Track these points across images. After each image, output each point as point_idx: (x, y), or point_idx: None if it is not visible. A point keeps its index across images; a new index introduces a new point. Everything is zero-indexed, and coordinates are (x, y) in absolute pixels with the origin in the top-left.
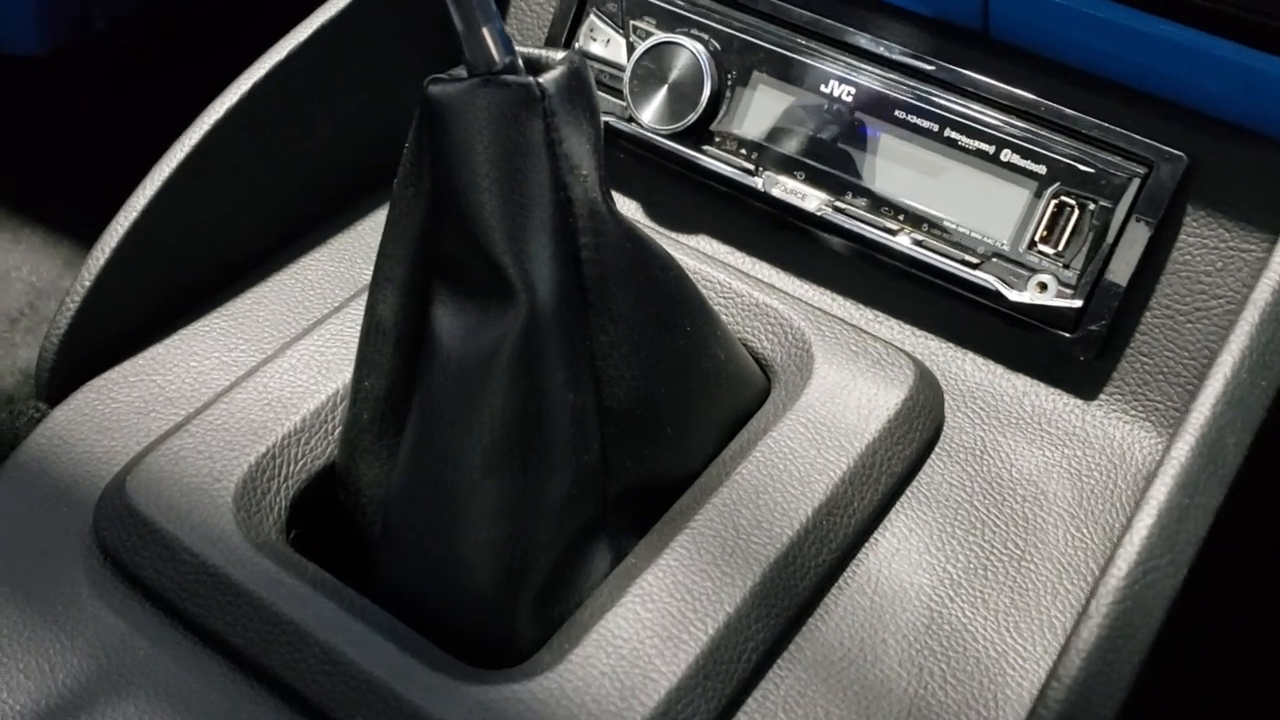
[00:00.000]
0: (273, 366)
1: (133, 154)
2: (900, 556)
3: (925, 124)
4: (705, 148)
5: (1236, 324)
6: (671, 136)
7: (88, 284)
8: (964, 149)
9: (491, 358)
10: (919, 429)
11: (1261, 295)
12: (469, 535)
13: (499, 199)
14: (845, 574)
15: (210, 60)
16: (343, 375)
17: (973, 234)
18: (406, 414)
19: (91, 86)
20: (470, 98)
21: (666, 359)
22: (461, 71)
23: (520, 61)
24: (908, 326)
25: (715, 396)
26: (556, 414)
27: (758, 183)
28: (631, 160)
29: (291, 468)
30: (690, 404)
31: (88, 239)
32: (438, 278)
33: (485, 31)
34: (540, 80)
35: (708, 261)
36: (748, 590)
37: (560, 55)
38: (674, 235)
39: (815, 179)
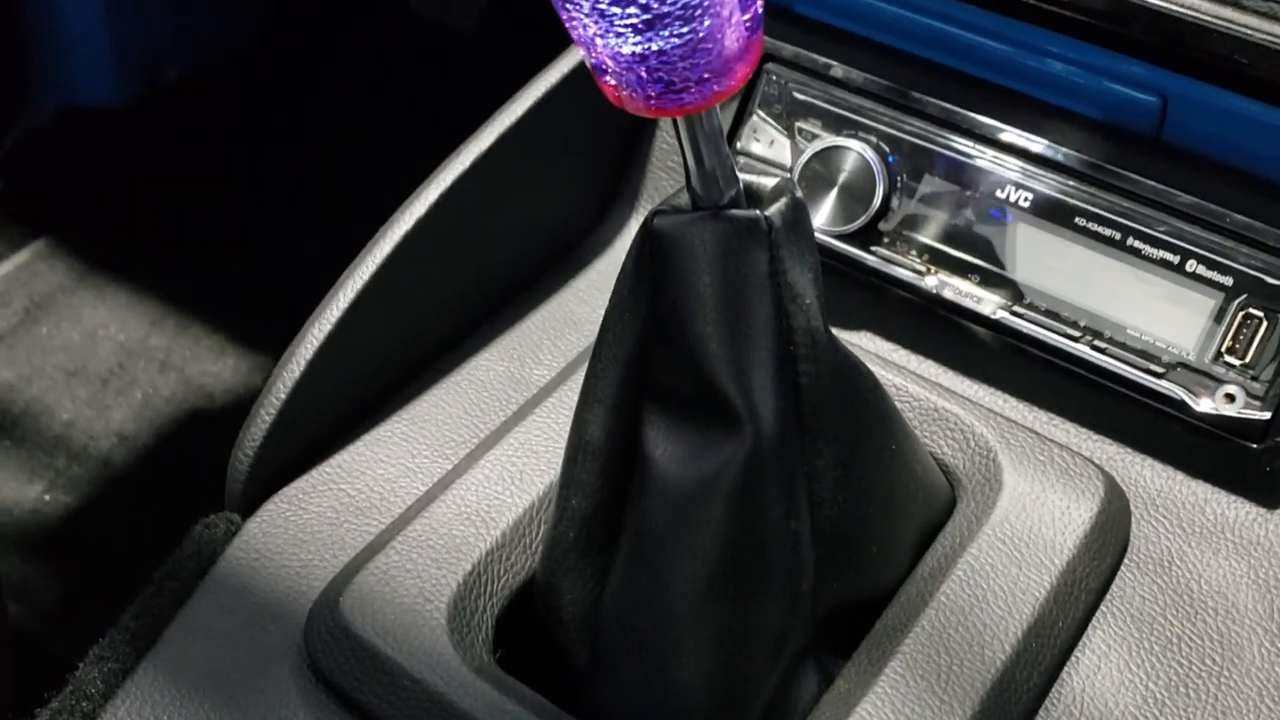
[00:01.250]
0: (467, 479)
1: (208, 206)
2: (1102, 675)
3: (1105, 231)
4: (874, 249)
5: None
6: (842, 238)
7: (283, 396)
8: (1146, 257)
9: (713, 484)
10: (1111, 542)
11: None
12: (687, 663)
13: (724, 329)
14: (1051, 695)
15: (277, 115)
16: (535, 487)
17: (1157, 343)
18: (611, 533)
19: (165, 138)
20: (698, 230)
21: (874, 479)
22: (684, 201)
23: (743, 193)
24: (1089, 433)
25: (913, 513)
26: (776, 541)
27: (930, 284)
28: None
29: (495, 585)
30: (893, 522)
31: (171, 295)
32: (650, 400)
33: (710, 169)
34: (766, 214)
35: (885, 366)
36: (967, 718)
37: (774, 184)
38: (847, 338)
39: (989, 282)
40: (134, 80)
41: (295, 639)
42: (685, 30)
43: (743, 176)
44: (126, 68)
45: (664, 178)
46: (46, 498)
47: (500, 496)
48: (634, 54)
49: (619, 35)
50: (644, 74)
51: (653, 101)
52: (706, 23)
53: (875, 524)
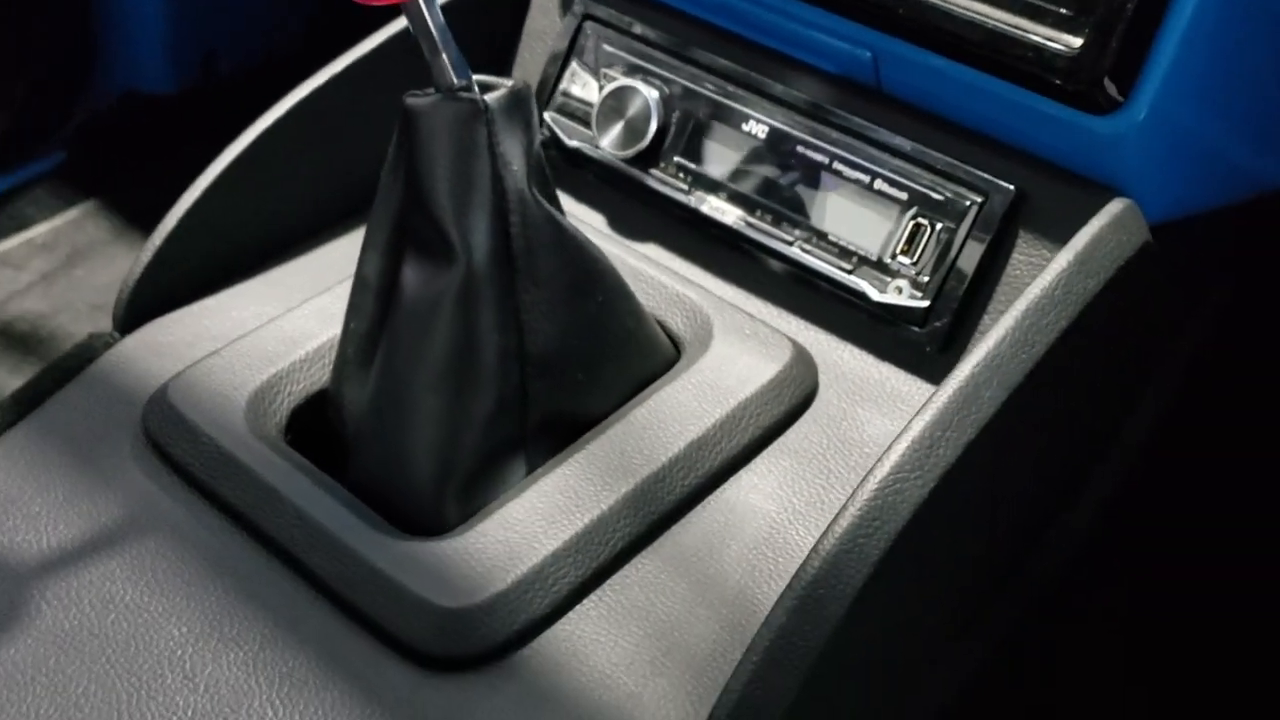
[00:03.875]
0: (291, 315)
1: None
2: (756, 490)
3: (818, 158)
4: (652, 171)
5: (1009, 309)
6: (626, 161)
7: (157, 244)
8: (847, 178)
9: (438, 302)
10: (788, 395)
11: (1033, 290)
12: (413, 436)
13: (450, 185)
14: (708, 498)
15: None
16: (341, 324)
17: (850, 245)
18: (378, 349)
19: (214, 126)
20: (434, 109)
21: (578, 319)
22: (431, 90)
23: (475, 85)
24: (798, 319)
25: (623, 356)
26: (484, 349)
27: (690, 200)
28: (596, 180)
29: (294, 387)
30: (598, 358)
31: None
32: (408, 244)
33: (444, 58)
34: (486, 99)
35: (644, 260)
36: (620, 495)
37: (508, 82)
38: (625, 239)
39: (733, 199)
40: (189, 70)
41: (138, 415)
42: None
43: (485, 77)
44: (182, 58)
45: None
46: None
47: (312, 329)
48: None
49: None
50: None
51: None
52: None
53: (580, 356)
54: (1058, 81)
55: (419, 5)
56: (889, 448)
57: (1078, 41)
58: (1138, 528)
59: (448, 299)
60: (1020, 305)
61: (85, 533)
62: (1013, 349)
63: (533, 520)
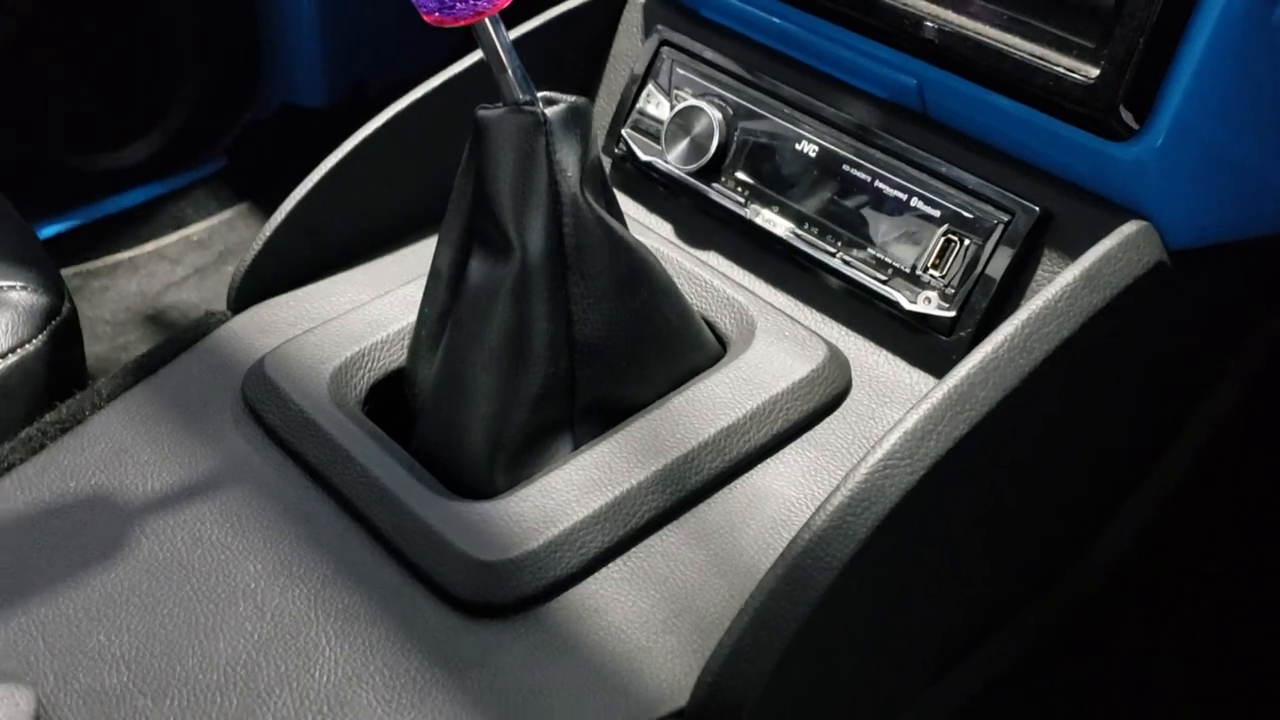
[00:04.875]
0: (377, 301)
1: None
2: (781, 477)
3: (863, 177)
4: (713, 184)
5: (1012, 316)
6: (690, 174)
7: (267, 235)
8: (886, 196)
9: (496, 292)
10: (819, 393)
11: (1036, 301)
12: (468, 410)
13: (511, 187)
14: (735, 481)
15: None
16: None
17: (886, 258)
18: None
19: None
20: (500, 120)
21: (624, 312)
22: (500, 104)
23: (538, 100)
24: (836, 324)
25: (666, 349)
26: (535, 335)
27: (746, 213)
28: (665, 192)
29: (374, 364)
30: (642, 349)
31: None
32: (475, 239)
33: (510, 75)
34: (546, 111)
35: (700, 264)
36: (650, 472)
37: (570, 98)
38: (686, 246)
39: (784, 212)
40: (340, 89)
41: (239, 382)
42: None
43: (549, 94)
44: (335, 78)
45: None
46: None
47: (395, 314)
48: None
49: None
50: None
51: (435, 14)
52: None
53: (625, 346)
54: (1078, 109)
55: (486, 27)
56: (883, 436)
57: (1095, 72)
58: (1172, 560)
59: (505, 289)
60: (1022, 314)
61: (184, 480)
62: (1010, 353)
63: (568, 490)
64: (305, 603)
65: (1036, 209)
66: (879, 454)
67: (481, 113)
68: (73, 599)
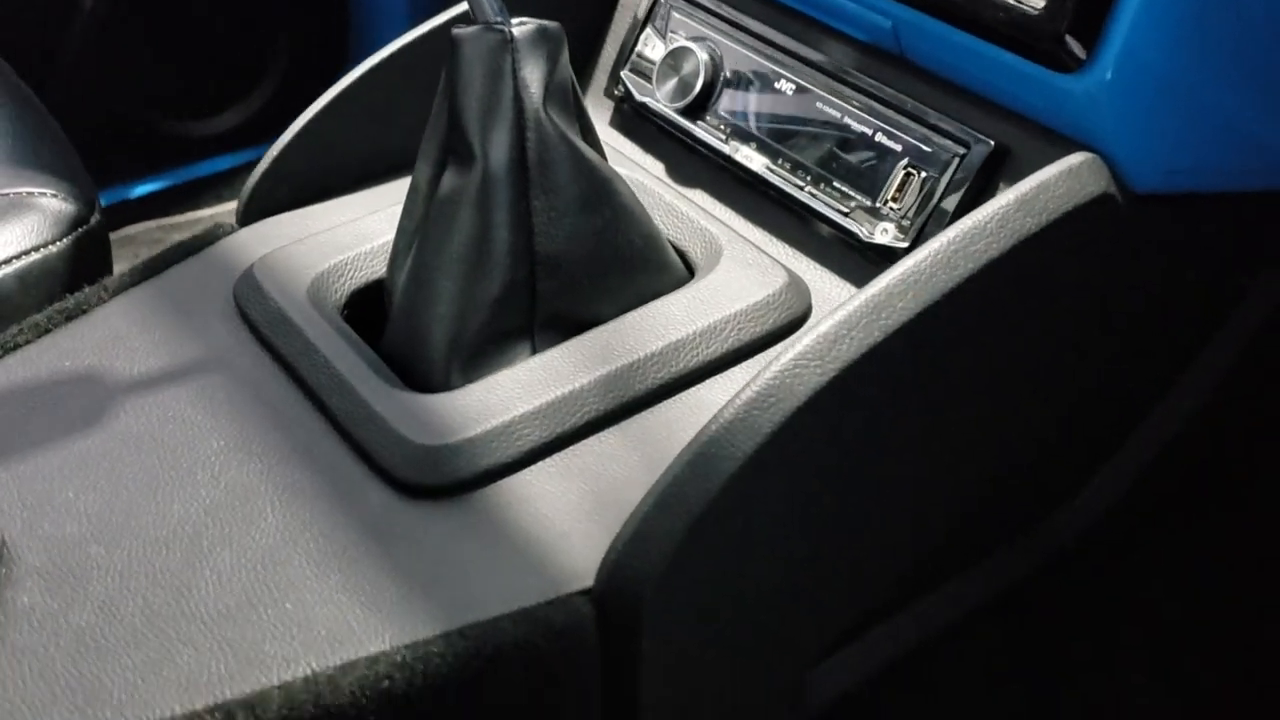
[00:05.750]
0: (368, 218)
1: None
2: (726, 392)
3: (834, 114)
4: (699, 122)
5: (938, 234)
6: (679, 112)
7: (275, 153)
8: (854, 132)
9: (460, 200)
10: (774, 317)
11: (966, 221)
12: (430, 312)
13: (478, 101)
14: (681, 394)
15: None
16: None
17: (850, 191)
18: None
19: None
20: (470, 37)
21: (586, 228)
22: (474, 25)
23: (509, 22)
24: (801, 255)
25: (629, 269)
26: (495, 242)
27: (726, 149)
28: (656, 131)
29: (356, 273)
30: (603, 267)
31: None
32: (449, 155)
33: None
34: (513, 30)
35: (680, 197)
36: (594, 377)
37: (540, 22)
38: (673, 181)
39: (761, 148)
40: None
41: (233, 282)
42: None
43: (524, 19)
44: None
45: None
46: None
47: (382, 230)
48: None
49: None
50: None
51: None
52: None
53: (585, 262)
54: (1029, 41)
55: None
56: (796, 337)
57: (1041, 2)
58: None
59: (467, 197)
60: (950, 232)
61: (167, 366)
62: (933, 267)
63: (513, 388)
64: (257, 476)
65: (991, 143)
66: (791, 354)
67: (455, 31)
68: (50, 460)
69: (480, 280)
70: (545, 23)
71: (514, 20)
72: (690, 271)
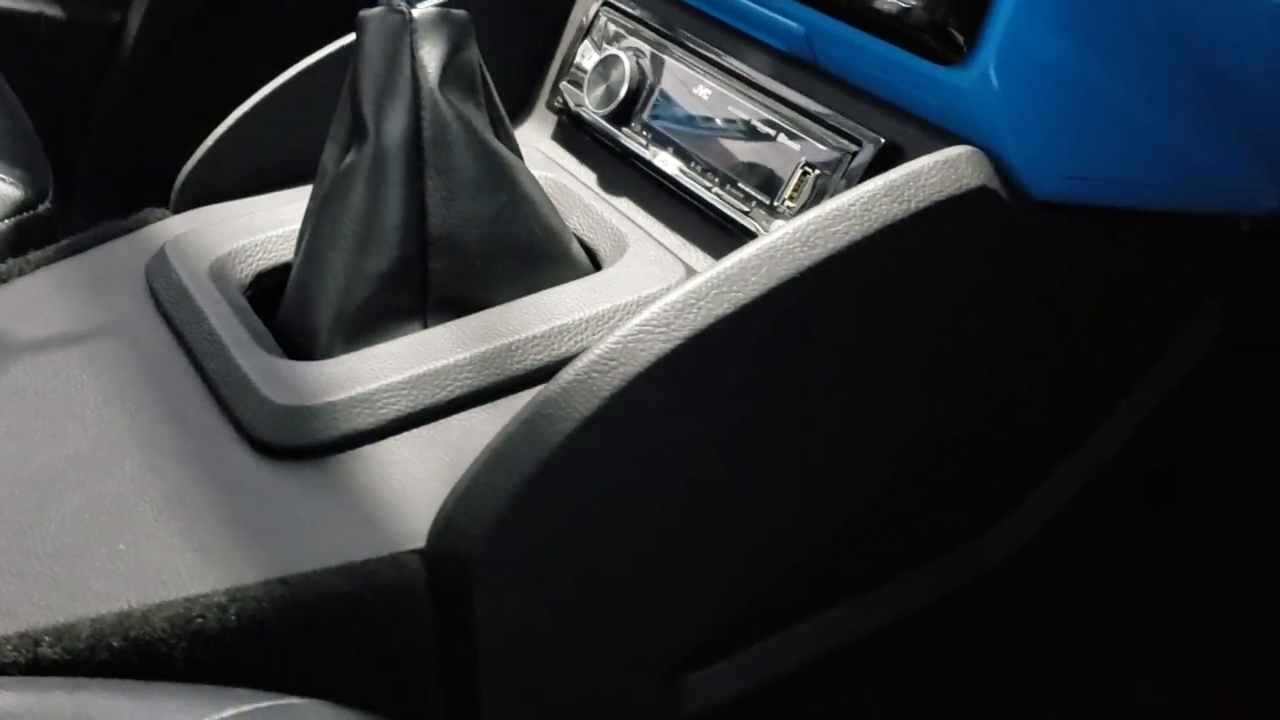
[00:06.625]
0: (285, 207)
1: None
2: None
3: (743, 117)
4: (624, 128)
5: (802, 215)
6: (605, 119)
7: (209, 144)
8: (760, 135)
9: (353, 176)
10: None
11: (831, 202)
12: (318, 284)
13: (376, 81)
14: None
15: None
16: None
17: (752, 192)
18: None
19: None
20: (373, 18)
21: (480, 211)
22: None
23: (413, 6)
24: (704, 254)
25: (526, 257)
26: (385, 218)
27: (647, 154)
28: (589, 140)
29: (264, 255)
30: (498, 252)
31: None
32: (352, 136)
33: None
34: (414, 12)
35: (597, 199)
36: (468, 355)
37: (445, 9)
38: (601, 188)
39: (677, 153)
40: None
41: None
42: None
43: (430, 5)
44: None
45: None
46: None
47: (295, 217)
48: None
49: None
50: None
51: None
52: None
53: (478, 246)
54: (914, 34)
55: None
56: (647, 304)
57: None
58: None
59: (360, 172)
60: (813, 213)
61: (72, 331)
62: (790, 245)
63: (386, 359)
64: (124, 431)
65: (881, 140)
66: (636, 319)
67: (361, 13)
68: None
69: (369, 255)
70: (451, 10)
71: (420, 5)
72: (598, 268)
